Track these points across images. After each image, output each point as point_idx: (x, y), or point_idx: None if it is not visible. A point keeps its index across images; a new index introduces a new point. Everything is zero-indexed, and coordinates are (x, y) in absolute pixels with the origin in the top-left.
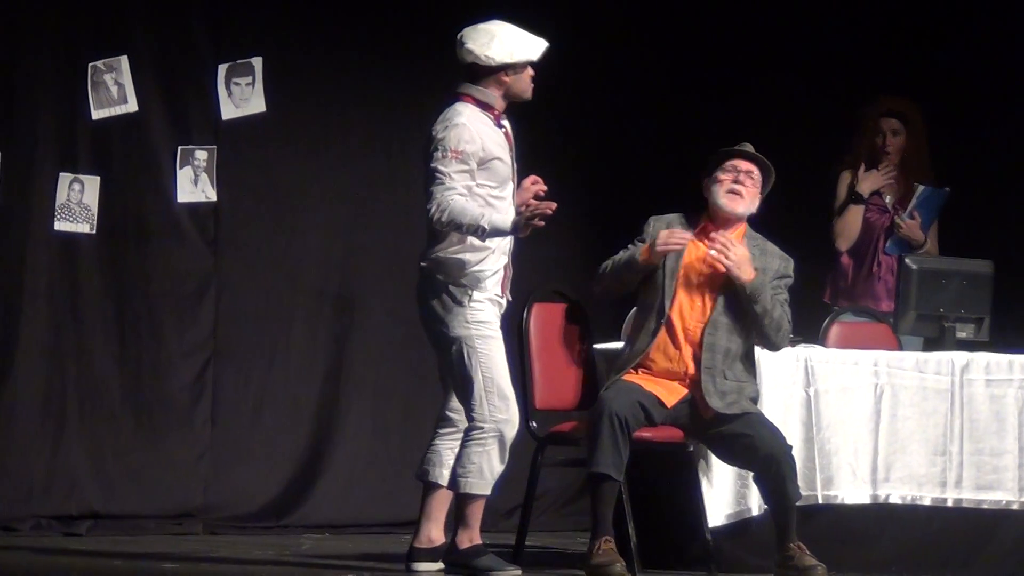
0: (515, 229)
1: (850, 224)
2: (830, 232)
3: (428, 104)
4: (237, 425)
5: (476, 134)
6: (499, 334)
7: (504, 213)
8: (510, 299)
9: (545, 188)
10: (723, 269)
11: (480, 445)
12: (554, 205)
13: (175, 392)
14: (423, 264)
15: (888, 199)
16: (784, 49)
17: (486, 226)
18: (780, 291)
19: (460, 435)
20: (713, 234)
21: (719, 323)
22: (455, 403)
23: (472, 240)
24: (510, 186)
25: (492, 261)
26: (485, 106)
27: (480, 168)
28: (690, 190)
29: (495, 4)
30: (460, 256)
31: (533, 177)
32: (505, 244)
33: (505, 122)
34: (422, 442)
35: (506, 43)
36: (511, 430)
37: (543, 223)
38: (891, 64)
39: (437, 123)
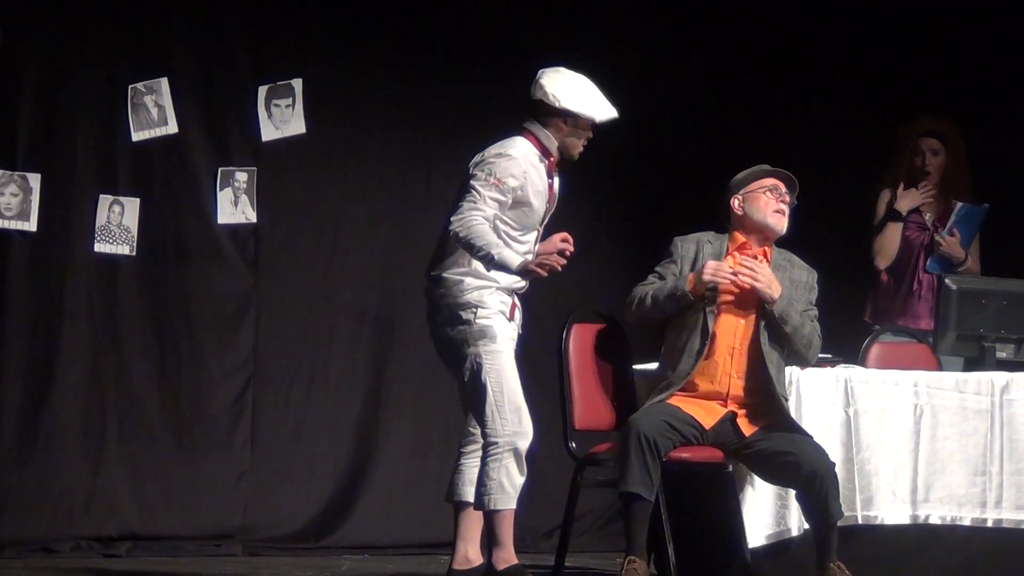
0: (520, 272)
1: (888, 242)
2: (869, 251)
3: (467, 126)
4: (277, 446)
5: (523, 173)
6: (509, 348)
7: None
8: (521, 332)
9: (572, 249)
10: (748, 288)
11: (496, 460)
12: (563, 262)
13: (215, 413)
14: (427, 282)
15: (928, 217)
16: (822, 68)
17: (495, 256)
18: (810, 307)
19: None
20: (738, 259)
21: (765, 336)
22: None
23: (477, 266)
24: (533, 235)
25: (493, 291)
26: (544, 152)
27: (511, 207)
28: (715, 208)
29: (535, 33)
30: (461, 277)
31: (564, 235)
32: (515, 286)
33: (556, 176)
34: None
35: (577, 94)
36: (525, 442)
37: (545, 273)
38: (929, 81)
39: (493, 146)
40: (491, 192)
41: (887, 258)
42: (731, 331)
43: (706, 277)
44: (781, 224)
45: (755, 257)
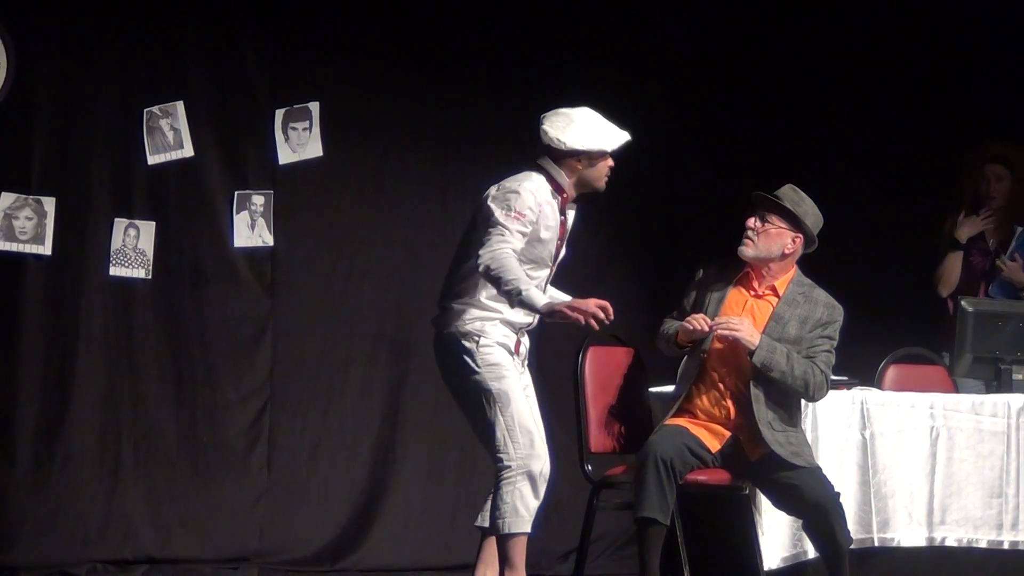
0: (546, 312)
1: (948, 271)
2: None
3: (484, 149)
4: (293, 470)
5: (537, 206)
6: (514, 373)
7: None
8: (525, 370)
9: (610, 319)
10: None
11: (511, 484)
12: (583, 321)
13: (231, 437)
14: (436, 312)
15: (992, 243)
16: (887, 94)
17: (523, 292)
18: (817, 342)
19: None
20: (714, 325)
21: (757, 375)
22: None
23: (481, 299)
24: (544, 272)
25: (496, 323)
26: (558, 187)
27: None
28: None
29: (552, 59)
30: (464, 307)
31: (606, 303)
32: (519, 320)
33: (570, 212)
34: (478, 487)
35: (582, 130)
36: (539, 465)
37: (574, 317)
38: (998, 107)
39: (510, 180)
40: (516, 225)
41: (948, 286)
42: (724, 365)
43: (681, 339)
44: (742, 249)
45: (761, 295)
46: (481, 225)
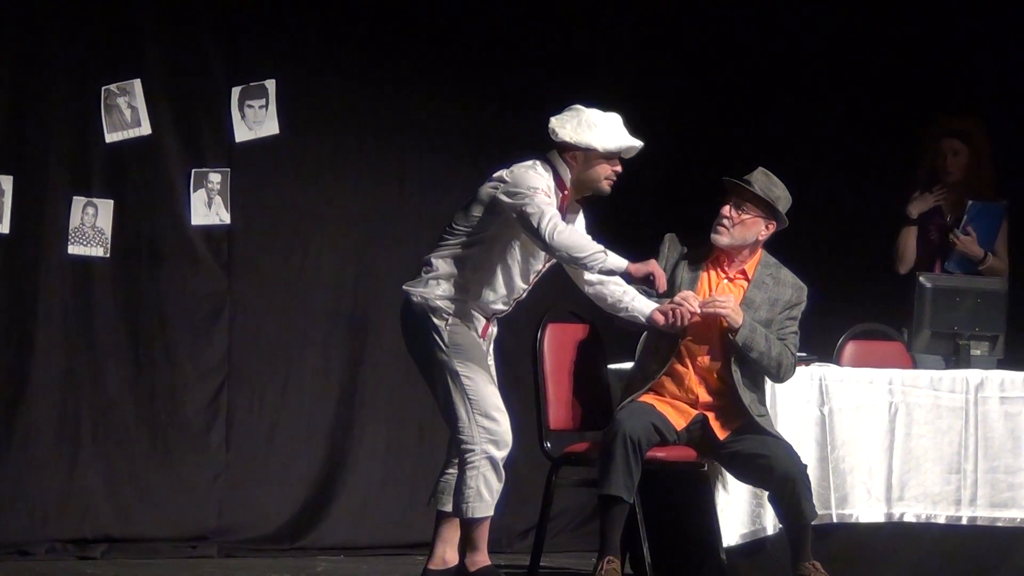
0: (632, 272)
1: (903, 247)
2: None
3: (441, 128)
4: (251, 448)
5: (549, 194)
6: (481, 355)
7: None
8: (490, 353)
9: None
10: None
11: (474, 468)
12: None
13: (189, 415)
14: (404, 289)
15: (949, 218)
16: (844, 74)
17: (608, 259)
18: (787, 324)
19: None
20: (700, 305)
21: (735, 354)
22: None
23: (462, 279)
24: (540, 264)
25: (469, 307)
26: (560, 184)
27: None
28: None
29: (512, 39)
30: (439, 280)
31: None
32: (493, 307)
33: (571, 215)
34: (437, 464)
35: (581, 125)
36: (500, 449)
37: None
38: (958, 79)
39: (519, 166)
40: (544, 198)
41: (906, 263)
42: (701, 344)
43: (663, 326)
44: (715, 237)
45: (732, 278)
46: (488, 205)
